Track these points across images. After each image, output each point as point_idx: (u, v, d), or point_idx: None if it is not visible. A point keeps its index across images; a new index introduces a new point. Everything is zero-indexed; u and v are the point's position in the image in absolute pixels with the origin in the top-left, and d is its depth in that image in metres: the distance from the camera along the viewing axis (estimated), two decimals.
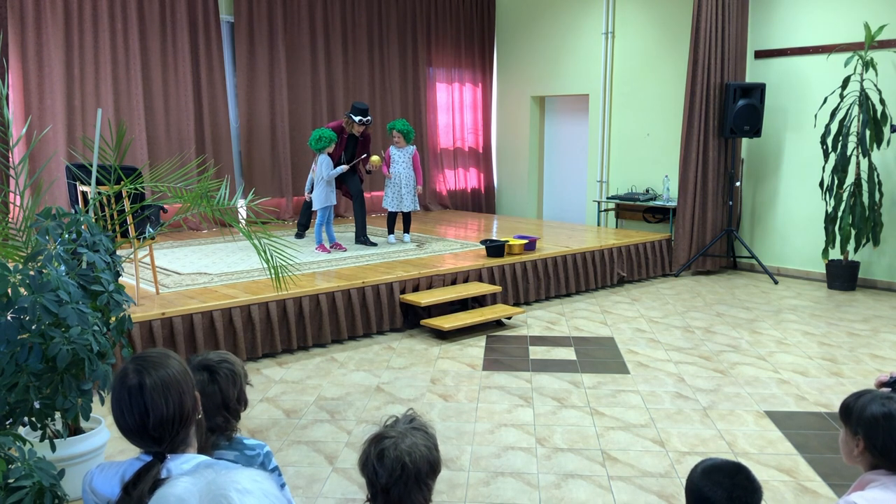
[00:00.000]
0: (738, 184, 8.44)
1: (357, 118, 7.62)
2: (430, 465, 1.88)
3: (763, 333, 6.08)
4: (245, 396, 2.34)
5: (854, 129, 7.48)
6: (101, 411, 4.25)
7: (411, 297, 6.06)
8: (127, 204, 4.17)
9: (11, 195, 3.47)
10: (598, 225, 9.93)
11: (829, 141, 7.54)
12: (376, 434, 1.91)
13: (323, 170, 7.26)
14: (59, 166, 7.51)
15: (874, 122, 7.28)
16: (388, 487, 1.85)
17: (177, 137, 8.74)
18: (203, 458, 1.82)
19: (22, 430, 3.21)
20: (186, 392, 1.80)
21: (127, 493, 1.69)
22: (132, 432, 1.77)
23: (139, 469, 1.74)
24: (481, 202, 11.69)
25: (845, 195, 7.58)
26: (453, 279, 6.55)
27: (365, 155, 7.75)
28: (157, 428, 1.75)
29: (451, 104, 11.40)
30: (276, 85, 9.50)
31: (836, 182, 7.50)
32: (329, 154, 7.37)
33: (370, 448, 1.88)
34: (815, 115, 7.78)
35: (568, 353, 5.54)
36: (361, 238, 7.72)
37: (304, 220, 8.23)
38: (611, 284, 7.84)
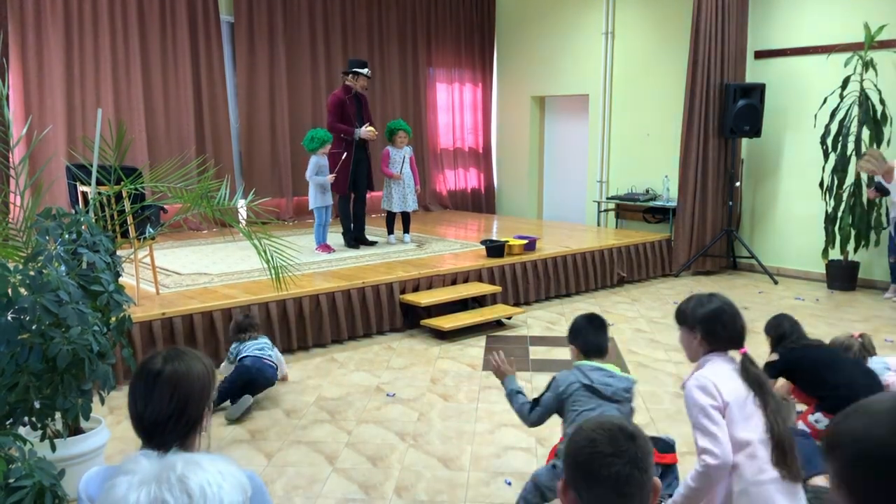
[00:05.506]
0: (738, 184, 8.43)
1: (365, 71, 7.49)
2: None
3: (762, 333, 6.06)
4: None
5: (854, 129, 7.48)
6: (102, 411, 4.24)
7: (411, 297, 6.06)
8: (127, 204, 4.17)
9: (11, 195, 3.47)
10: (598, 225, 9.93)
11: (829, 141, 7.54)
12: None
13: (309, 171, 7.25)
14: (60, 166, 7.50)
15: (874, 122, 7.28)
16: None
17: (177, 137, 8.74)
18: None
19: (22, 430, 3.21)
20: (194, 400, 1.80)
21: None
22: (133, 420, 1.80)
23: None
24: (481, 202, 11.69)
25: (845, 195, 7.58)
26: (453, 279, 6.55)
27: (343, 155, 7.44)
28: (151, 423, 1.77)
29: (451, 104, 11.40)
30: (276, 85, 9.49)
31: (835, 182, 7.50)
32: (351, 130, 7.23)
33: None
34: (815, 115, 7.78)
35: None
36: (359, 238, 7.66)
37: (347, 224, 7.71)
38: (611, 284, 7.84)
